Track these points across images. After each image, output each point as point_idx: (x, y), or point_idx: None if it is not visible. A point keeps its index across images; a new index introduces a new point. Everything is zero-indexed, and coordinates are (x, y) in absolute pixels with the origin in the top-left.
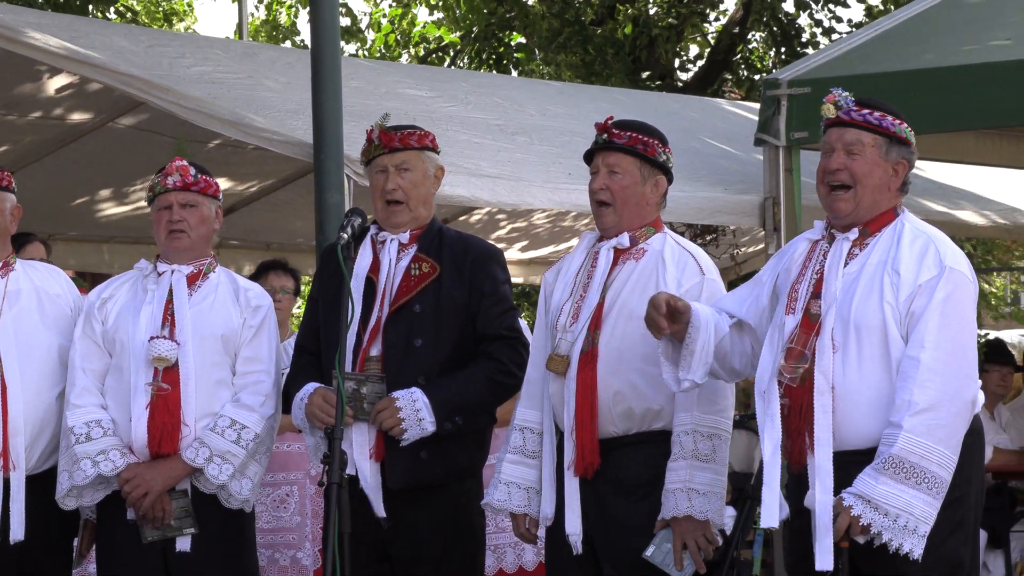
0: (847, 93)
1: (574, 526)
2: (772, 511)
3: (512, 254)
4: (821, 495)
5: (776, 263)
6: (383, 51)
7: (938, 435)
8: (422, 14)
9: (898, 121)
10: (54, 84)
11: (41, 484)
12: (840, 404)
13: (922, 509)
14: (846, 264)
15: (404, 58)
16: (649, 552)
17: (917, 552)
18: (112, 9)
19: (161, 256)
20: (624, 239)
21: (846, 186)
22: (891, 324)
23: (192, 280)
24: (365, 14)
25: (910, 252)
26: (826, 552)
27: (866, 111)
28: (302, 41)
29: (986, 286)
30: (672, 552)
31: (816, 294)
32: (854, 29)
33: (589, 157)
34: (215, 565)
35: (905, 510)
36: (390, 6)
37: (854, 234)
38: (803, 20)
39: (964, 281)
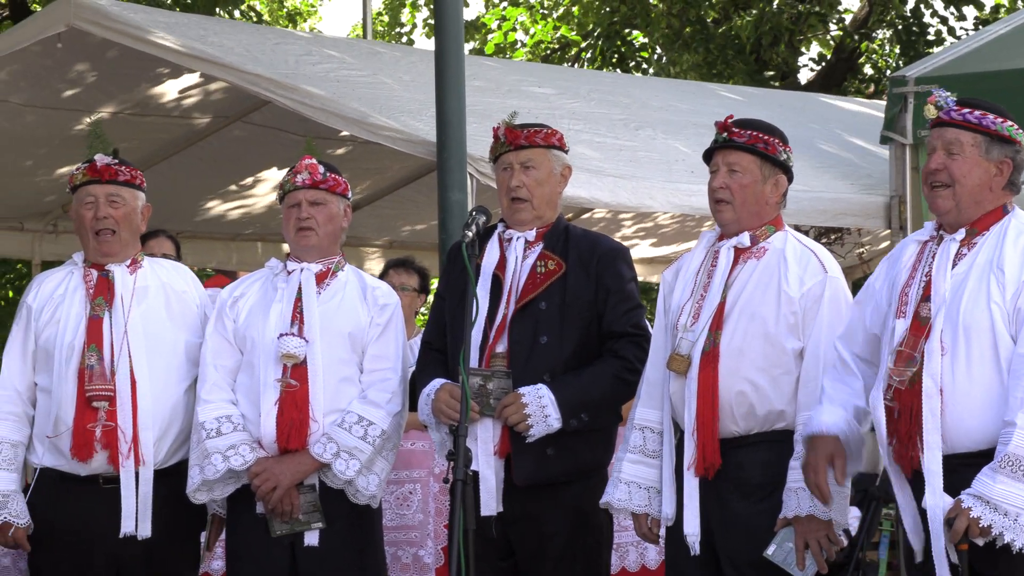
0: (948, 93)
1: (692, 527)
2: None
3: (636, 252)
4: (931, 499)
5: (889, 268)
6: (500, 52)
7: None
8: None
9: (1000, 119)
10: (181, 83)
11: (170, 478)
12: (950, 407)
13: None
14: (954, 265)
15: (524, 58)
16: (771, 551)
17: None
18: (238, 10)
19: (291, 254)
20: (744, 238)
21: (946, 184)
22: (999, 324)
23: (321, 278)
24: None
25: (1014, 249)
26: (941, 557)
27: (966, 111)
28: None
29: None
30: (794, 551)
31: (926, 297)
32: (980, 27)
33: (708, 156)
34: (342, 559)
35: None
36: (505, 8)
37: (961, 234)
38: (927, 18)
39: None
